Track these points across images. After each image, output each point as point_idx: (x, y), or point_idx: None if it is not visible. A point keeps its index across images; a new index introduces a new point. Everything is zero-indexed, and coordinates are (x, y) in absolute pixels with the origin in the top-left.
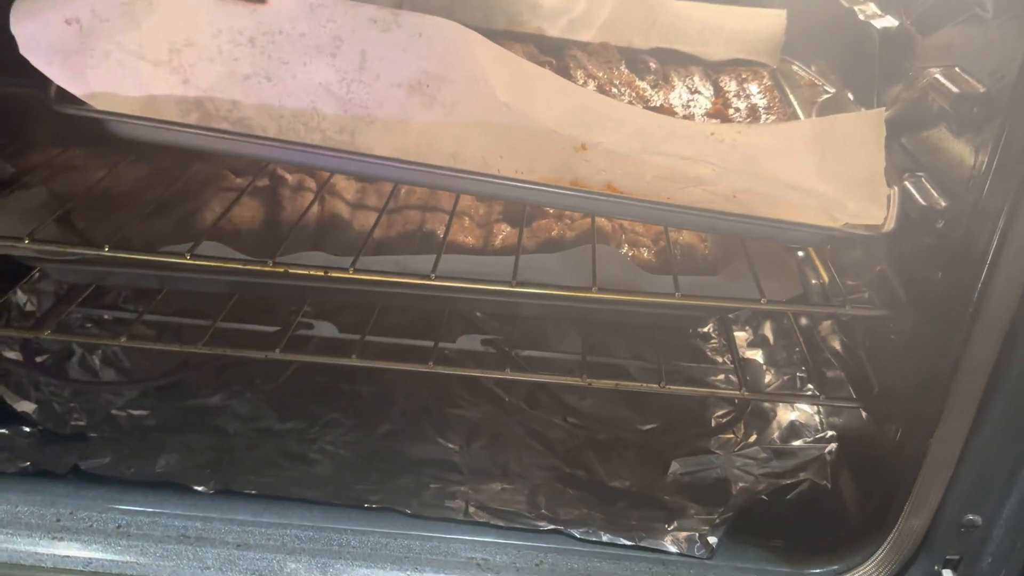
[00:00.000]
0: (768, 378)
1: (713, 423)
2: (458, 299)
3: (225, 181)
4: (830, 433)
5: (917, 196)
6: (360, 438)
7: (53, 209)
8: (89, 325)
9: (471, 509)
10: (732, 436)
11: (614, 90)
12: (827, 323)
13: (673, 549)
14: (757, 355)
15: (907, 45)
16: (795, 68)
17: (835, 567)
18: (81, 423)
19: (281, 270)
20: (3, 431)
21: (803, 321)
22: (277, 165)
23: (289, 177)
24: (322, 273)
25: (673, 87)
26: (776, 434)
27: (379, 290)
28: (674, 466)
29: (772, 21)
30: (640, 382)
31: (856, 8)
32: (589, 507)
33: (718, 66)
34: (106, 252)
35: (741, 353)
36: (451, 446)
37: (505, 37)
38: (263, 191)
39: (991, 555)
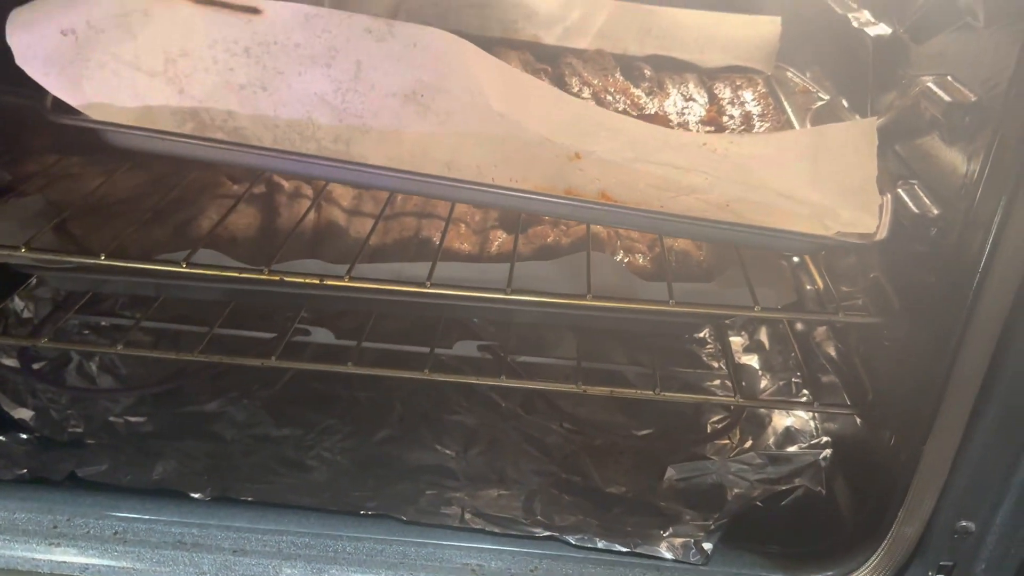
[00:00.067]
0: (764, 383)
1: (709, 429)
2: (454, 306)
3: (222, 188)
4: (825, 439)
5: (910, 204)
6: (357, 444)
7: (50, 217)
8: (87, 332)
9: (467, 515)
10: (728, 442)
11: (609, 97)
12: (822, 329)
13: (668, 555)
14: (753, 360)
15: (900, 53)
16: (790, 75)
17: (829, 573)
18: (78, 430)
19: (277, 278)
20: (0, 438)
21: (799, 327)
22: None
23: (286, 184)
24: (318, 281)
25: (668, 94)
26: (772, 440)
27: (375, 297)
28: (670, 472)
29: (767, 28)
30: (636, 387)
31: (850, 15)
32: (585, 513)
33: (713, 73)
34: (102, 260)
35: (737, 358)
36: (448, 452)
37: (501, 44)
38: (260, 198)
39: (984, 561)
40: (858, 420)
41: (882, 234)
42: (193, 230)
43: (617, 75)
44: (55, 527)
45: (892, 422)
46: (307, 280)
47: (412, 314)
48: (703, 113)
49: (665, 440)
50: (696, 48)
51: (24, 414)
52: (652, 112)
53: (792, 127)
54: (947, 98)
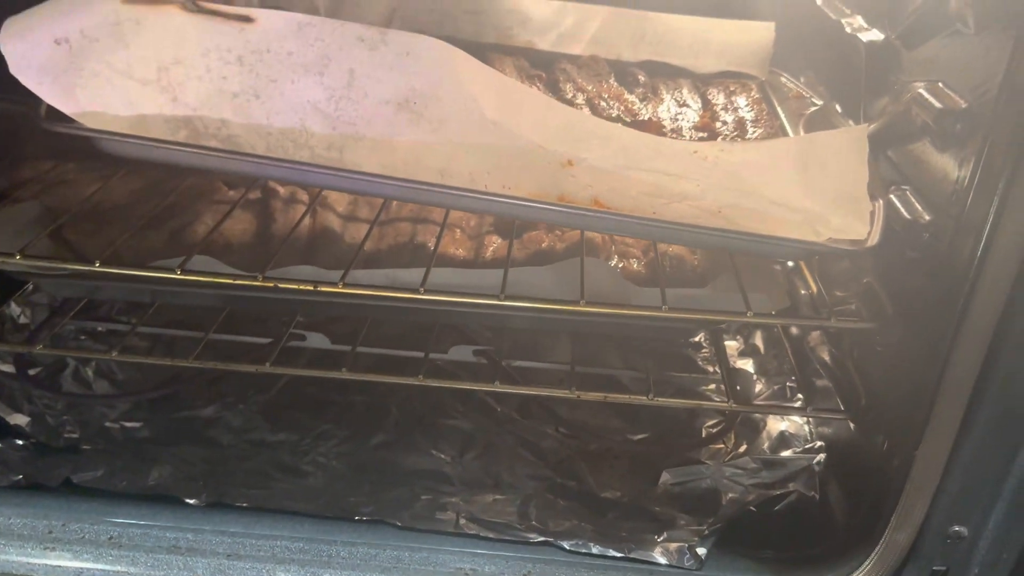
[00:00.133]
0: (759, 387)
1: (703, 433)
2: (448, 312)
3: (218, 194)
4: (819, 443)
5: (902, 210)
6: (353, 449)
7: (46, 223)
8: (83, 337)
9: (461, 520)
10: (722, 446)
11: (603, 103)
12: (816, 334)
13: (662, 560)
14: (748, 364)
15: (893, 59)
16: (783, 80)
17: None
18: (74, 436)
19: (271, 285)
20: None
21: (793, 331)
22: None
23: (281, 190)
24: (312, 288)
25: (662, 100)
26: (766, 444)
27: (369, 303)
28: (664, 476)
29: (761, 33)
30: (631, 391)
31: (843, 21)
32: (579, 518)
33: (707, 78)
34: (97, 268)
35: (732, 362)
36: (443, 457)
37: (495, 51)
38: (255, 204)
39: (977, 566)
40: (851, 425)
41: (874, 240)
42: (189, 236)
43: (611, 81)
44: (50, 532)
45: (885, 427)
46: (301, 287)
47: (407, 320)
48: (696, 119)
49: (660, 444)
50: (690, 54)
51: (20, 420)
52: (646, 118)
53: (785, 133)
54: (938, 104)
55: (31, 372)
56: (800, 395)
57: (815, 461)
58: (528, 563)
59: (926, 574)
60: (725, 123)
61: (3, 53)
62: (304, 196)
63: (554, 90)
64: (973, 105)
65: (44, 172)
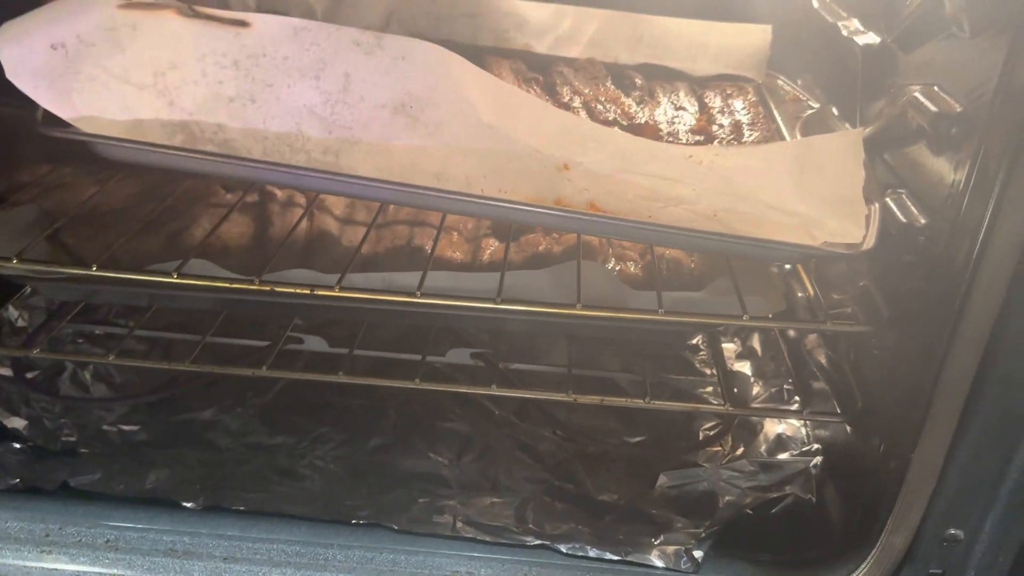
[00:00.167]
0: (756, 390)
1: (701, 436)
2: (444, 315)
3: (215, 197)
4: (816, 446)
5: (898, 213)
6: (350, 452)
7: (43, 227)
8: (81, 340)
9: (459, 524)
10: (720, 448)
11: (600, 106)
12: (813, 336)
13: (659, 564)
14: (745, 367)
15: (889, 62)
16: (780, 83)
17: None
18: (72, 439)
19: (267, 288)
20: None
21: (790, 334)
22: None
23: (279, 193)
24: (308, 291)
25: (658, 103)
26: (763, 447)
27: (366, 307)
28: (662, 479)
29: (758, 36)
30: (629, 394)
31: (840, 24)
32: (577, 521)
33: (704, 81)
34: (93, 272)
35: (729, 365)
36: (441, 460)
37: (492, 54)
38: (253, 207)
39: (973, 569)
40: (848, 428)
41: (869, 244)
42: (186, 239)
43: (608, 84)
44: (47, 535)
45: (881, 430)
46: (297, 290)
47: (403, 323)
48: (693, 122)
49: (658, 447)
50: (687, 57)
51: (18, 423)
52: (642, 121)
53: (782, 136)
54: (933, 108)
55: (29, 375)
56: (797, 398)
57: (812, 464)
58: (525, 566)
59: None
60: (722, 126)
61: None
62: (301, 199)
63: (551, 93)
64: (968, 109)
65: (41, 176)
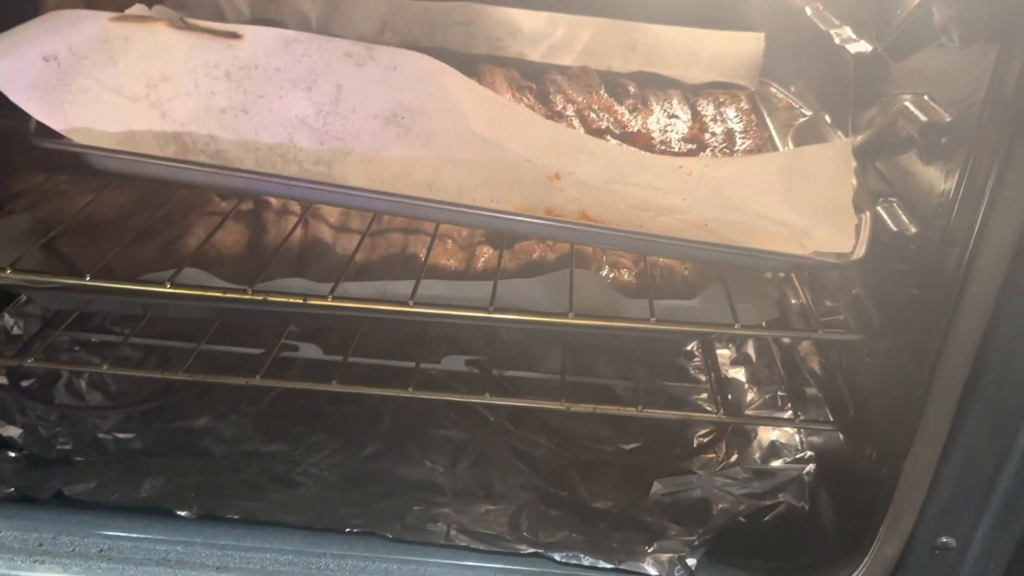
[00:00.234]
0: (751, 396)
1: (695, 443)
2: (438, 324)
3: (211, 205)
4: (809, 453)
5: (889, 222)
6: (345, 460)
7: (38, 236)
8: (76, 348)
9: (452, 532)
10: (714, 455)
11: (593, 115)
12: (806, 343)
13: (653, 572)
14: (740, 373)
15: (880, 70)
16: (773, 90)
17: None
18: (67, 447)
19: (260, 298)
20: None
21: (785, 341)
22: None
23: (273, 201)
24: (301, 301)
25: (651, 111)
26: (757, 454)
27: (359, 316)
28: (656, 487)
29: (751, 44)
30: (624, 400)
31: (832, 32)
32: (571, 529)
33: (697, 89)
34: (87, 282)
35: (724, 371)
36: (436, 467)
37: (487, 62)
38: (247, 215)
39: None
40: (841, 436)
41: (859, 253)
42: (181, 248)
43: (601, 92)
44: (40, 545)
45: (873, 438)
46: (290, 300)
47: (397, 331)
48: (686, 131)
49: (652, 454)
50: (680, 65)
51: (13, 432)
52: (635, 129)
53: (774, 143)
54: (924, 118)
55: (24, 384)
56: (790, 405)
57: (805, 471)
58: (518, 575)
59: None
60: (714, 134)
61: None
62: (296, 207)
63: (544, 101)
64: (958, 119)
65: (36, 185)
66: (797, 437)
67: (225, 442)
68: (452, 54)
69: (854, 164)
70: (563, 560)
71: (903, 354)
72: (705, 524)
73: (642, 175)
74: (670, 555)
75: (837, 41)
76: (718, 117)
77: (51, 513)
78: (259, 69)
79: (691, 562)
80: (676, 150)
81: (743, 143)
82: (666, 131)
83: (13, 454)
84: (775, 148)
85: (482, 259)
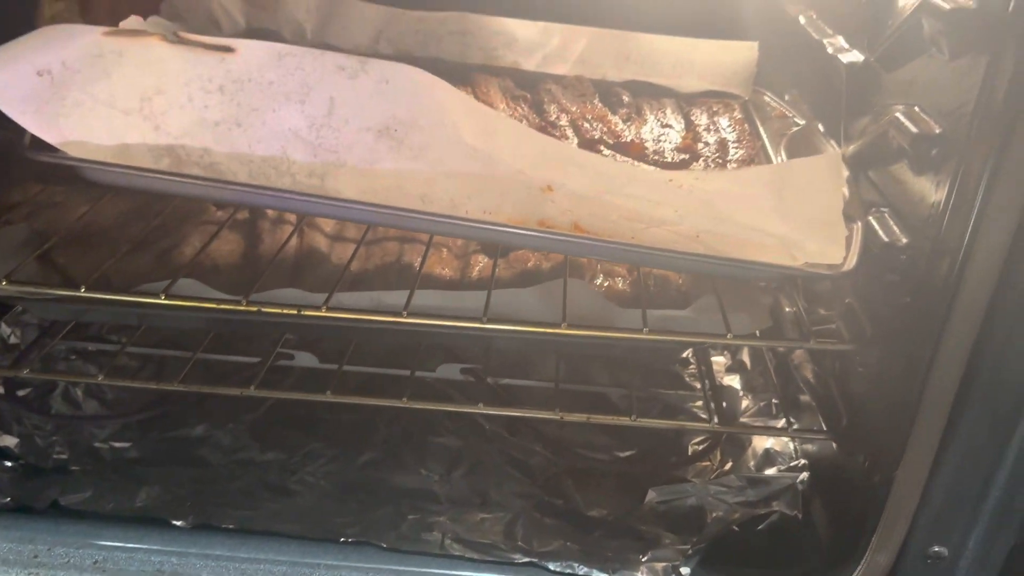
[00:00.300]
0: (745, 403)
1: (690, 451)
2: (432, 333)
3: (206, 214)
4: (802, 461)
5: (880, 232)
6: (341, 468)
7: (34, 246)
8: (73, 357)
9: (447, 541)
10: (708, 463)
11: (586, 124)
12: (800, 352)
13: None
14: (735, 381)
15: (872, 80)
16: (767, 99)
17: None
18: (63, 456)
19: (255, 309)
20: None
21: (779, 349)
22: None
23: (269, 211)
24: (295, 312)
25: (645, 121)
26: (752, 462)
27: (353, 326)
28: (651, 495)
29: (744, 54)
30: (619, 408)
31: (826, 41)
32: (566, 537)
33: (691, 98)
34: (82, 293)
35: (719, 379)
36: (431, 475)
37: (482, 71)
38: (243, 224)
39: None
40: (834, 444)
41: (850, 264)
42: (177, 257)
43: (595, 101)
44: (35, 556)
45: (866, 446)
46: (285, 311)
47: (391, 341)
48: (679, 140)
49: (647, 461)
50: (674, 74)
51: (9, 441)
52: (629, 139)
53: (767, 153)
54: (914, 129)
55: (20, 393)
56: (784, 412)
57: (799, 480)
58: None
59: None
60: (707, 144)
61: None
62: (291, 217)
63: (539, 111)
64: (947, 130)
65: (32, 195)
66: (791, 445)
67: (222, 450)
68: (447, 64)
69: (846, 173)
70: (557, 570)
71: (895, 363)
72: (699, 532)
73: (633, 187)
74: (664, 564)
75: (830, 50)
76: (711, 126)
77: (46, 523)
78: (252, 82)
79: (685, 571)
80: (669, 160)
81: (736, 152)
82: (659, 141)
83: (9, 464)
84: (768, 157)
85: (477, 268)
